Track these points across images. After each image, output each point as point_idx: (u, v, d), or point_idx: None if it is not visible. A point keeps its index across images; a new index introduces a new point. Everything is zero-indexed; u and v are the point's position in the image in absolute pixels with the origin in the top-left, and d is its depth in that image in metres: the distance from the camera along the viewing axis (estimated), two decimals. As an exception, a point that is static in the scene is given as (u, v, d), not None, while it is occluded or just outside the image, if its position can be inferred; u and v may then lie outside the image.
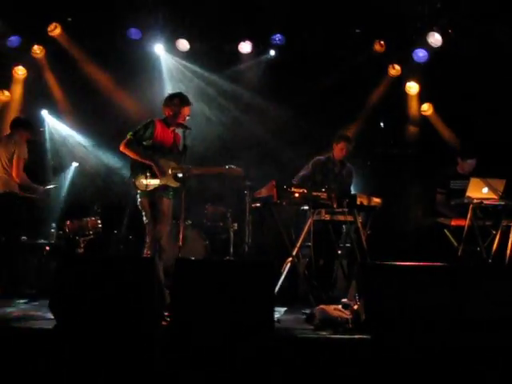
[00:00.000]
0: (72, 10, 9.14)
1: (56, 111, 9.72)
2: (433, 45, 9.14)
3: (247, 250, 7.98)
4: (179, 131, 6.53)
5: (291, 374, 4.55)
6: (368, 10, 8.85)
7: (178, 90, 7.22)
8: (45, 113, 9.62)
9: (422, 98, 9.93)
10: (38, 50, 9.44)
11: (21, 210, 7.43)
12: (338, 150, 7.69)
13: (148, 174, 6.21)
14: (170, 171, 6.32)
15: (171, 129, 6.52)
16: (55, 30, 9.21)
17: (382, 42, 9.42)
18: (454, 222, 7.42)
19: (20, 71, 9.56)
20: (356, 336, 4.90)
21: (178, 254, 6.06)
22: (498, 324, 4.92)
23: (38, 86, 9.55)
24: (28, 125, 7.68)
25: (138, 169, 6.32)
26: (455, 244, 7.33)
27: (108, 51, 9.42)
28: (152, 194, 6.32)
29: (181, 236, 6.02)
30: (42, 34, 9.24)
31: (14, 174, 7.26)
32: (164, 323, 5.08)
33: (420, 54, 9.41)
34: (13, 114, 9.18)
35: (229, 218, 8.82)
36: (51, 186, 8.15)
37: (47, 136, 9.64)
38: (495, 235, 7.21)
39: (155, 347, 4.64)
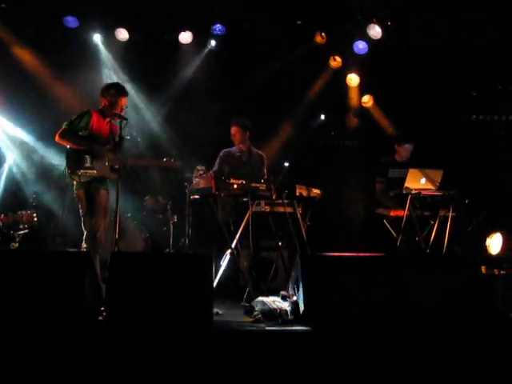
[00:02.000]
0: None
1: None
2: (373, 37, 9.19)
3: (188, 242, 7.90)
4: (116, 122, 6.38)
5: (230, 367, 4.51)
6: (309, 2, 8.84)
7: (116, 80, 7.09)
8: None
9: (363, 89, 10.01)
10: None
11: None
12: (233, 137, 7.71)
13: (87, 165, 6.10)
14: (106, 163, 6.19)
15: (107, 119, 6.38)
16: (-12, 17, 8.89)
17: (323, 34, 9.42)
18: (392, 213, 7.51)
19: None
20: (295, 327, 4.91)
21: (115, 247, 5.93)
22: (435, 312, 5.00)
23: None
24: None
25: (74, 160, 6.18)
26: (394, 234, 7.43)
27: (44, 39, 9.11)
28: (88, 186, 6.20)
29: (117, 228, 5.89)
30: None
31: None
32: (100, 318, 4.99)
33: (360, 46, 9.45)
34: None
35: (168, 210, 8.73)
36: None
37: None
38: (433, 225, 7.35)
39: (91, 342, 4.55)
